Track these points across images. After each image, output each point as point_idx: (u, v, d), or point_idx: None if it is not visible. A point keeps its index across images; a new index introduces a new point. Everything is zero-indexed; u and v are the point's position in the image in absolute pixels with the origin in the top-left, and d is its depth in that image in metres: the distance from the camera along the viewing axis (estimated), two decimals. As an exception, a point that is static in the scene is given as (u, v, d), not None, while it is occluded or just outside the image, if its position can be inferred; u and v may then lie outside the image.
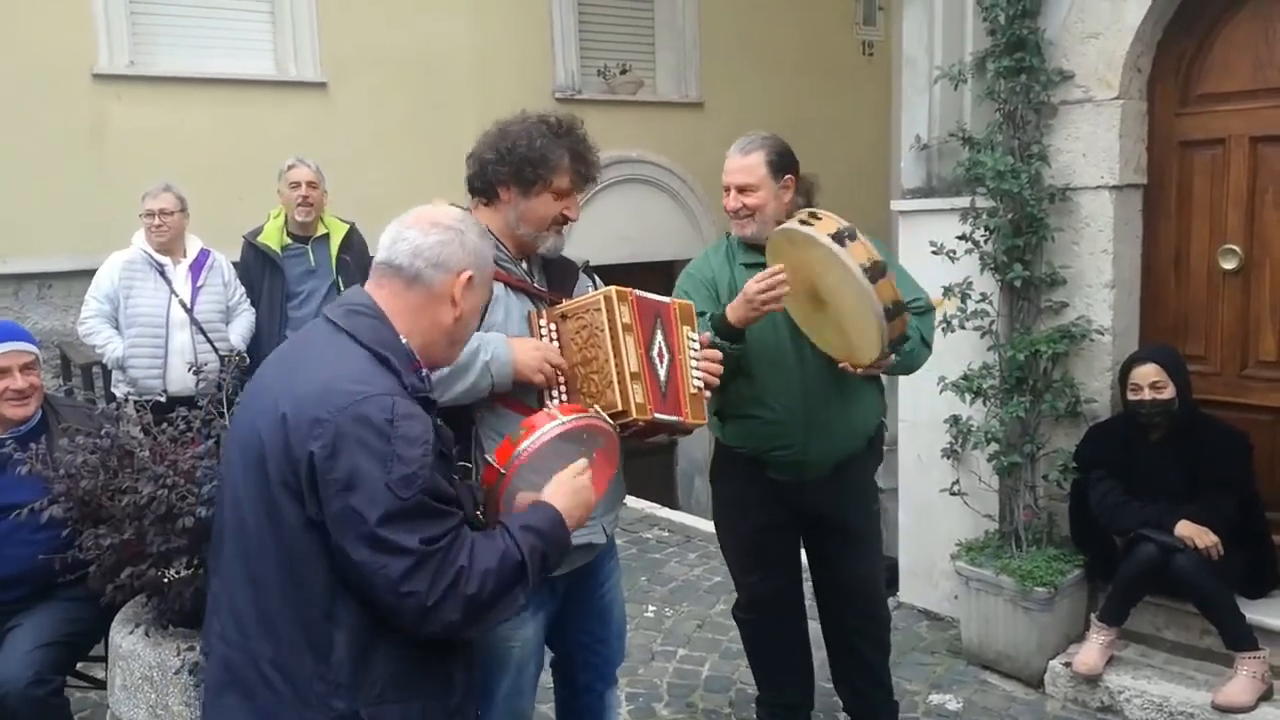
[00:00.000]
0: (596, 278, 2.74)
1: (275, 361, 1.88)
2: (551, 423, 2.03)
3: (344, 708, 1.70)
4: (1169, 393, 3.77)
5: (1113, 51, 4.02)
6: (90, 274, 4.98)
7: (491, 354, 2.33)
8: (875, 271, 2.68)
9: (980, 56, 4.25)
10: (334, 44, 6.77)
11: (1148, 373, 3.79)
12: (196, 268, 4.92)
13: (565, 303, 2.51)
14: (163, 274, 4.83)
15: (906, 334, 2.91)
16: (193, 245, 4.97)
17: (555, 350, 2.43)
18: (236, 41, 6.63)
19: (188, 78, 6.34)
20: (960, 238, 4.15)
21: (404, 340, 1.82)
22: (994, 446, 4.16)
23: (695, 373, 2.53)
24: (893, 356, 2.90)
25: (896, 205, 4.86)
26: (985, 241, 4.17)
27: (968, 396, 4.18)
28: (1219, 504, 3.73)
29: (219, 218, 5.44)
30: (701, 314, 2.95)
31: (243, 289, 5.08)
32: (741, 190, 3.00)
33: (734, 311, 2.85)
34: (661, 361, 2.47)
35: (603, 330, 2.38)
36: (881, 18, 9.55)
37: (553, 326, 2.47)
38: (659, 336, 2.48)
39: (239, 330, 4.99)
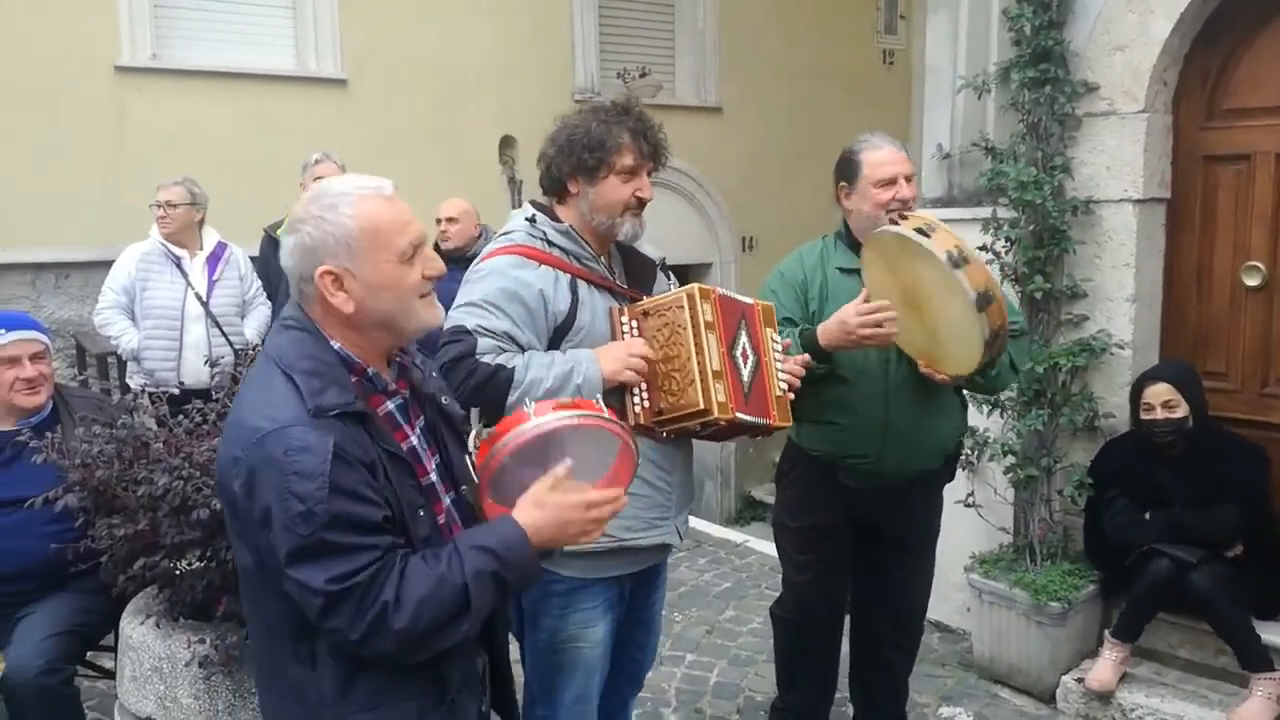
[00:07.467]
0: (672, 275, 2.70)
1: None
2: (522, 425, 1.77)
3: (331, 717, 1.68)
4: (1181, 411, 3.73)
5: (1138, 64, 3.99)
6: (108, 265, 4.99)
7: (584, 377, 2.29)
8: (987, 298, 2.57)
9: (1004, 67, 4.23)
10: (355, 41, 6.78)
11: (1159, 392, 3.76)
12: (213, 261, 4.93)
13: (647, 300, 2.46)
14: (179, 267, 4.84)
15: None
16: (209, 238, 4.98)
17: (639, 343, 2.37)
18: (258, 36, 6.64)
19: (209, 71, 6.34)
20: (981, 248, 4.11)
21: (335, 345, 1.71)
22: (1010, 459, 4.13)
23: (781, 374, 2.48)
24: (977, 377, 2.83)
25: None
26: (1006, 252, 4.15)
27: (985, 408, 4.15)
28: (1229, 511, 3.68)
29: (237, 211, 5.44)
30: (787, 321, 2.86)
31: (259, 283, 5.09)
32: (909, 180, 2.89)
33: (828, 335, 2.74)
34: (745, 362, 2.41)
35: (685, 328, 2.33)
36: (903, 26, 9.51)
37: (634, 323, 2.42)
38: (743, 336, 2.43)
39: (254, 324, 4.99)
